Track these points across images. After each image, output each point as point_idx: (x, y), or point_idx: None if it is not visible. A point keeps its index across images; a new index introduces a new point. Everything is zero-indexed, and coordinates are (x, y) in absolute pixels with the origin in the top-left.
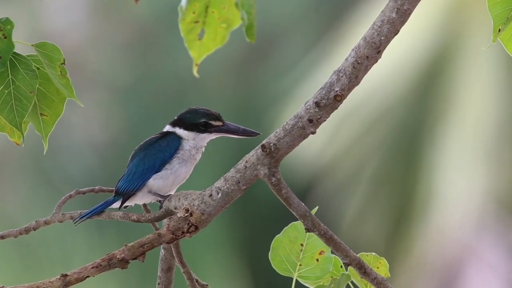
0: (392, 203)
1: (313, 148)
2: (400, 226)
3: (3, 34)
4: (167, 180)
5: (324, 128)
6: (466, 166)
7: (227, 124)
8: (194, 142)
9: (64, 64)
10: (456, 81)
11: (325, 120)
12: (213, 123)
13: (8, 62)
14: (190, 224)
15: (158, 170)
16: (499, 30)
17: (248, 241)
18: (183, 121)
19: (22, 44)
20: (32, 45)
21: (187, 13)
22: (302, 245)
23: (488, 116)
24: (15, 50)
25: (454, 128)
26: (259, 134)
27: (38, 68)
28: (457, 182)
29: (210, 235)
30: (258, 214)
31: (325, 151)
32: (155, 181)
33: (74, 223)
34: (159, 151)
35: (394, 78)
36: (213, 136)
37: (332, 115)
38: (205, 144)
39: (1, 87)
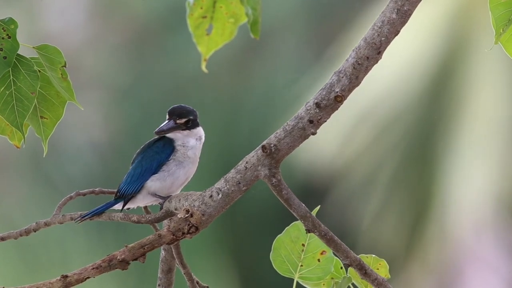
0: (409, 205)
1: (329, 151)
2: (417, 228)
3: (7, 34)
4: (164, 182)
5: (339, 132)
6: (479, 166)
7: (167, 122)
8: (179, 141)
9: (65, 66)
10: (467, 83)
11: (325, 121)
12: (166, 117)
13: None
14: (190, 225)
15: (155, 171)
16: (502, 31)
17: (243, 243)
18: None
19: (23, 46)
20: (33, 47)
21: (195, 8)
22: (303, 245)
23: (500, 117)
24: None
25: (466, 129)
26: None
27: (39, 71)
28: (470, 182)
29: (205, 237)
30: (252, 216)
31: (341, 154)
32: (153, 183)
33: (75, 221)
34: (156, 153)
35: (406, 81)
36: (171, 133)
37: (346, 118)
38: (187, 140)
39: (2, 88)
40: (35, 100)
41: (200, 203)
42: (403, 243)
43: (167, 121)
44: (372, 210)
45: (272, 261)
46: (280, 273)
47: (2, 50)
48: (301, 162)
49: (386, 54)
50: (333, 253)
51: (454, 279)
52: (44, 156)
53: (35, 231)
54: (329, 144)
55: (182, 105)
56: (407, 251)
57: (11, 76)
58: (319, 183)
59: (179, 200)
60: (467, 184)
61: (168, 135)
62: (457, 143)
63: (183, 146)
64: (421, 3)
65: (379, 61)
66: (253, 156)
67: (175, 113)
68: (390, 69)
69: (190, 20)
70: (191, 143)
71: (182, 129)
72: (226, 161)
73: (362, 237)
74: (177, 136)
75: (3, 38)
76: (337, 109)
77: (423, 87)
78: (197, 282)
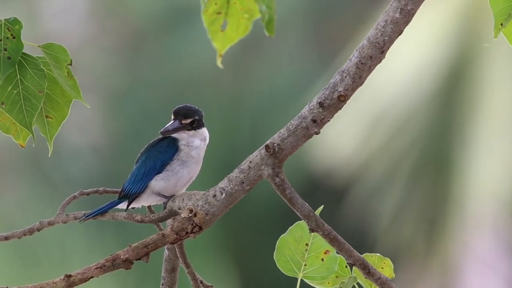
0: (426, 203)
1: (347, 152)
2: (436, 226)
3: (12, 34)
4: (168, 182)
5: (356, 132)
6: (494, 164)
7: (172, 122)
8: (183, 141)
9: (71, 65)
10: (480, 82)
11: (329, 121)
12: (171, 117)
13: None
14: (194, 225)
15: (159, 171)
16: (501, 26)
17: (244, 242)
18: None
19: (27, 46)
20: (39, 46)
21: (210, 5)
22: (307, 244)
23: None
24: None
25: (481, 127)
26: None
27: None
28: (485, 181)
29: (206, 236)
30: (253, 215)
31: (359, 154)
32: (157, 182)
33: (79, 221)
34: (159, 152)
35: (420, 80)
36: (175, 133)
37: (363, 119)
38: (192, 140)
39: (10, 88)
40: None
41: (204, 202)
42: (422, 242)
43: (172, 121)
44: (391, 210)
45: (276, 261)
46: (284, 272)
47: (6, 51)
48: (319, 164)
49: (399, 55)
50: (336, 252)
51: (468, 278)
52: (49, 156)
53: (38, 231)
54: (347, 145)
55: (188, 105)
56: (426, 250)
57: (18, 76)
58: (337, 183)
59: (183, 199)
60: (481, 183)
61: (173, 135)
62: (472, 142)
63: (187, 146)
64: (431, 3)
65: (388, 62)
66: (256, 156)
67: (180, 113)
68: (404, 69)
69: (204, 16)
70: (196, 143)
71: (188, 129)
72: (226, 161)
73: (381, 237)
74: (182, 136)
75: (7, 38)
76: (340, 109)
77: (437, 86)
78: (201, 282)
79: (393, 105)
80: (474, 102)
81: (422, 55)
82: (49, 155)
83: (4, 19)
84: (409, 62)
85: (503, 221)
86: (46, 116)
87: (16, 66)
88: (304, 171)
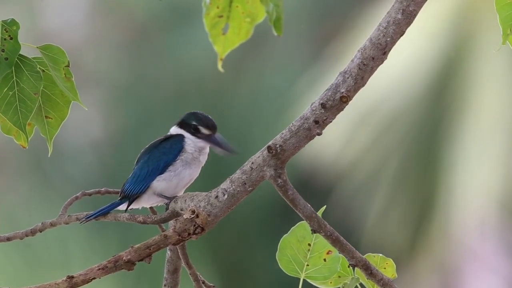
0: (412, 203)
1: (333, 150)
2: (421, 226)
3: (9, 35)
4: (170, 182)
5: (343, 130)
6: (482, 165)
7: (214, 136)
8: (194, 144)
9: (69, 66)
10: (470, 81)
11: (331, 122)
12: (202, 129)
13: None
14: (196, 226)
15: (161, 172)
16: (509, 32)
17: (240, 243)
18: (184, 123)
19: (25, 46)
20: (37, 47)
21: (211, 8)
22: (309, 245)
23: (504, 115)
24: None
25: (470, 127)
26: (236, 154)
27: (43, 71)
28: (473, 181)
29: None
30: (249, 215)
31: (345, 153)
32: (159, 183)
33: (80, 222)
34: (162, 153)
35: (410, 79)
36: (202, 142)
37: (350, 117)
38: (206, 147)
39: (6, 89)
40: (39, 100)
41: (206, 203)
42: (407, 242)
43: (215, 135)
44: (376, 209)
45: (278, 261)
46: (286, 272)
47: (3, 52)
48: (304, 162)
49: (390, 52)
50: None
51: (454, 278)
52: (49, 156)
53: (41, 231)
54: (333, 143)
55: (208, 115)
56: (411, 250)
57: (14, 77)
58: (322, 182)
59: (185, 200)
60: (470, 183)
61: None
62: (461, 141)
63: (199, 152)
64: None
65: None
66: (258, 157)
67: (215, 126)
68: (394, 67)
69: (206, 20)
70: (207, 149)
71: None
72: (227, 160)
73: (366, 236)
74: (202, 144)
75: (5, 39)
76: (342, 110)
77: (427, 85)
78: (203, 282)
79: (381, 103)
80: (464, 100)
81: (413, 53)
82: (49, 155)
83: (2, 20)
84: (400, 59)
85: (491, 219)
86: (46, 117)
87: (13, 68)
88: (290, 168)
